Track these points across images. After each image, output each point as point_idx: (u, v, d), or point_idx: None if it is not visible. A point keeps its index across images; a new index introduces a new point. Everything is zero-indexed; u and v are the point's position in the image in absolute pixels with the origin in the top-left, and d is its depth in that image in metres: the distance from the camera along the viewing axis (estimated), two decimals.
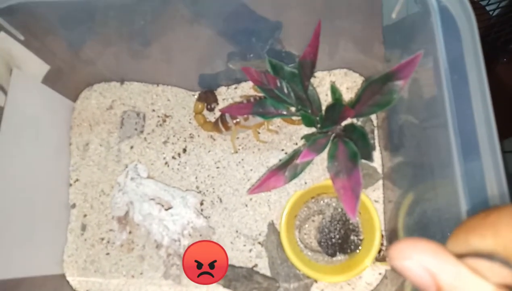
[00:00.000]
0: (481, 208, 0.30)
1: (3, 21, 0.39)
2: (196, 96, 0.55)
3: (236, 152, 0.51)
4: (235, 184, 0.50)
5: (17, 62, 0.43)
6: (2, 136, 0.41)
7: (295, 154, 0.41)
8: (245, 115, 0.49)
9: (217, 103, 0.54)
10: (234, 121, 0.49)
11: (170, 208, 0.47)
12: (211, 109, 0.54)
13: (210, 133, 0.53)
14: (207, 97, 0.54)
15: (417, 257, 0.16)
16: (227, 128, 0.50)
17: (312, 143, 0.38)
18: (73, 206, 0.51)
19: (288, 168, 0.41)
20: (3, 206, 0.41)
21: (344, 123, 0.42)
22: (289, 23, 0.48)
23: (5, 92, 0.42)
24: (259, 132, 0.51)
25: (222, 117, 0.50)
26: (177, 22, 0.46)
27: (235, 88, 0.55)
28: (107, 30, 0.46)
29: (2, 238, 0.40)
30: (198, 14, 0.45)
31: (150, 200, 0.48)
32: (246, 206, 0.49)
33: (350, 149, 0.37)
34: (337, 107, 0.40)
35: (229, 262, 0.47)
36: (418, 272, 0.16)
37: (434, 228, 0.39)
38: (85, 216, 0.51)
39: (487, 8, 0.72)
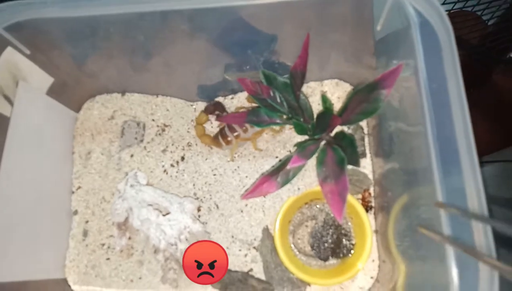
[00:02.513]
0: (461, 213, 0.32)
1: (11, 37, 0.42)
2: (194, 106, 0.57)
3: (233, 160, 0.53)
4: (231, 190, 0.52)
5: (23, 75, 0.45)
6: (8, 146, 0.43)
7: (287, 160, 0.43)
8: (244, 127, 0.51)
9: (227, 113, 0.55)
10: (234, 134, 0.51)
11: (168, 213, 0.49)
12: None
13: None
14: (216, 109, 0.55)
15: None
16: (228, 142, 0.51)
17: (302, 150, 0.40)
18: (75, 212, 0.53)
19: (280, 173, 0.43)
20: (9, 212, 0.42)
21: (335, 131, 0.44)
22: (284, 36, 0.50)
23: (11, 103, 0.44)
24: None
25: (222, 132, 0.52)
26: (177, 36, 0.48)
27: (232, 98, 0.57)
28: (109, 44, 0.48)
29: (7, 243, 0.42)
30: (196, 28, 0.47)
31: (148, 205, 0.49)
32: (242, 211, 0.51)
33: (338, 155, 0.39)
34: (327, 115, 0.42)
35: None
36: None
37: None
38: (86, 222, 0.53)
39: (483, 17, 0.73)
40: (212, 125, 0.56)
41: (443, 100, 0.34)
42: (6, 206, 0.42)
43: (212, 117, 0.56)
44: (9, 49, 0.42)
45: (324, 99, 0.47)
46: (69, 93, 0.54)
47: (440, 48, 0.35)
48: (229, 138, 0.51)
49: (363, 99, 0.39)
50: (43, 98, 0.50)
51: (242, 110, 0.53)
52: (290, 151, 0.52)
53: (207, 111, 0.55)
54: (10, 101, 0.44)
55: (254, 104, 0.55)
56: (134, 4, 0.41)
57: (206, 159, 0.54)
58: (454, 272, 0.30)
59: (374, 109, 0.38)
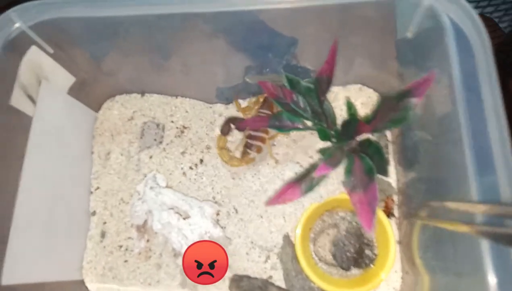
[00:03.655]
0: (497, 222, 0.31)
1: (35, 36, 0.42)
2: (213, 108, 0.56)
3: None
4: (251, 195, 0.51)
5: (45, 74, 0.45)
6: (30, 146, 0.42)
7: (312, 168, 0.42)
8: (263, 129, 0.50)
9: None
10: (259, 141, 0.50)
11: (188, 217, 0.49)
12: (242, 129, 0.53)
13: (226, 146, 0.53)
14: (231, 124, 0.53)
15: None
16: (258, 150, 0.50)
17: (329, 158, 0.39)
18: (94, 213, 0.53)
19: (304, 181, 0.42)
20: (28, 211, 0.42)
21: (359, 138, 0.43)
22: (305, 38, 0.49)
23: (34, 103, 0.44)
24: (274, 144, 0.52)
25: (247, 145, 0.50)
26: (196, 37, 0.47)
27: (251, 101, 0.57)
28: (129, 44, 0.48)
29: (25, 243, 0.42)
30: (216, 30, 0.46)
31: (169, 209, 0.49)
32: (262, 217, 0.50)
33: (366, 163, 0.38)
34: (353, 122, 0.41)
35: (245, 273, 0.48)
36: None
37: (448, 243, 0.39)
38: (104, 223, 0.52)
39: (500, 25, 0.72)
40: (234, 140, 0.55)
41: (478, 109, 0.33)
42: (26, 206, 0.42)
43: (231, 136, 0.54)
44: (33, 48, 0.42)
45: (349, 105, 0.46)
46: (89, 93, 0.54)
47: (473, 55, 0.34)
48: (256, 148, 0.50)
49: (392, 107, 0.38)
50: (65, 98, 0.49)
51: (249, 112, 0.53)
52: (311, 157, 0.51)
53: (223, 133, 0.54)
54: (33, 100, 0.44)
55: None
56: (155, 5, 0.41)
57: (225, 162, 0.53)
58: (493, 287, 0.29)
59: (404, 118, 0.37)
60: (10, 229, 0.40)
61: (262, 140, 0.50)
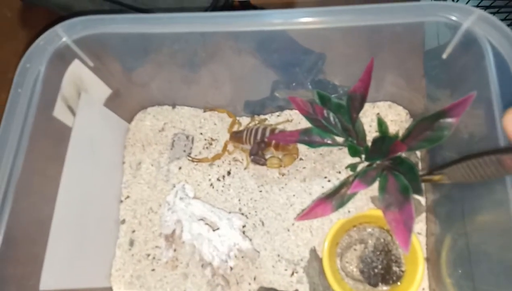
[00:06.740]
0: None
1: (78, 50, 0.43)
2: (239, 121, 0.57)
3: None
4: (278, 208, 0.52)
5: (85, 86, 0.47)
6: (68, 155, 0.44)
7: (343, 184, 0.42)
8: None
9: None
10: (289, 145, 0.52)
11: (216, 228, 0.49)
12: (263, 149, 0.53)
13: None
14: (258, 151, 0.53)
15: None
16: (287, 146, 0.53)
17: (363, 176, 0.39)
18: (123, 221, 0.54)
19: (335, 197, 0.42)
20: (64, 219, 0.43)
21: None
22: (333, 54, 0.50)
23: (73, 114, 0.45)
24: (301, 159, 0.53)
25: (286, 148, 0.52)
26: (226, 52, 0.48)
27: (278, 115, 0.58)
28: (162, 58, 0.50)
29: (61, 250, 0.43)
30: (245, 45, 0.48)
31: (199, 220, 0.50)
32: (288, 230, 0.50)
33: (401, 182, 0.38)
34: (386, 140, 0.41)
35: (270, 285, 0.49)
36: None
37: (477, 261, 0.39)
38: (133, 232, 0.53)
39: None
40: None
41: None
42: (62, 213, 0.43)
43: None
44: (76, 61, 0.44)
45: (380, 122, 0.47)
46: (123, 104, 0.55)
47: None
48: (290, 147, 0.52)
49: (427, 127, 0.39)
50: (101, 109, 0.51)
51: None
52: (339, 172, 0.52)
53: (263, 163, 0.52)
54: (72, 111, 0.45)
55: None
56: (190, 24, 0.42)
57: (252, 175, 0.54)
58: None
59: (439, 138, 0.38)
60: (49, 235, 0.41)
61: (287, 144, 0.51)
